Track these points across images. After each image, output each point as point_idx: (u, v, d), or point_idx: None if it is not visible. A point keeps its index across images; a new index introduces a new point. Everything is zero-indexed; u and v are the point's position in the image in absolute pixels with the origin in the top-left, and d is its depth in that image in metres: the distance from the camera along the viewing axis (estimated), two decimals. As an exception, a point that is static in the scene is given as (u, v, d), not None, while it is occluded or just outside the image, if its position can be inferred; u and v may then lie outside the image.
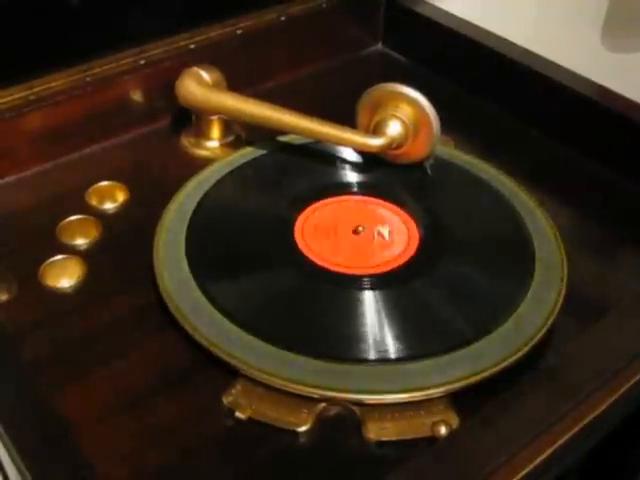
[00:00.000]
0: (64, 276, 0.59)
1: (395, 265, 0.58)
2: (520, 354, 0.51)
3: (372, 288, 0.56)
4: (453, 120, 0.69)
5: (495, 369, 0.50)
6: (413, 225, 0.62)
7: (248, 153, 0.70)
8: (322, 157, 0.69)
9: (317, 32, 0.85)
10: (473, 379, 0.50)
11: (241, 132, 0.74)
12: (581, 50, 1.04)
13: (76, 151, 0.72)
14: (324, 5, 0.85)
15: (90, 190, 0.67)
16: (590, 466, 0.57)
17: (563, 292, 0.56)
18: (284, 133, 0.69)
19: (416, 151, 0.66)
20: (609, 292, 0.60)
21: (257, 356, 0.51)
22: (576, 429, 0.44)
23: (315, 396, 0.49)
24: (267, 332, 0.53)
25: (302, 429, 0.49)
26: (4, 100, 0.67)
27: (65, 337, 0.55)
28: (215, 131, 0.73)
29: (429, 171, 0.67)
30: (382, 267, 0.58)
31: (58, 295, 0.58)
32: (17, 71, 0.68)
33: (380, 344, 0.52)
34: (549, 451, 0.43)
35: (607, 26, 1.13)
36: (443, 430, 0.48)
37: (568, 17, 1.16)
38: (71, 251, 0.61)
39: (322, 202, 0.64)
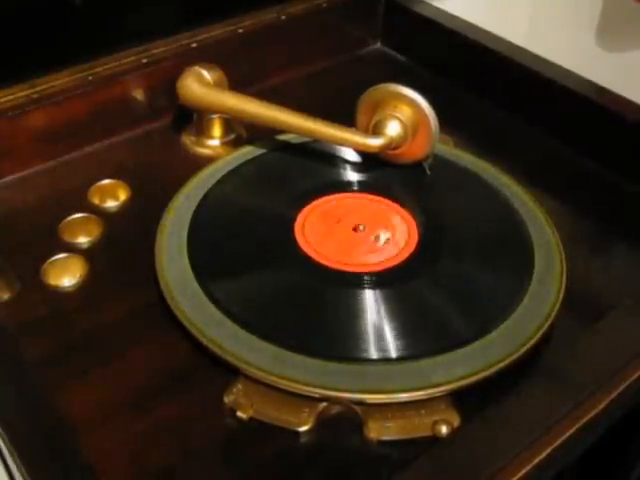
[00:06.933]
0: (66, 275, 0.59)
1: (394, 263, 0.59)
2: (520, 353, 0.52)
3: (373, 287, 0.56)
4: (452, 119, 0.69)
5: (495, 368, 0.51)
6: (413, 223, 0.62)
7: (249, 152, 0.70)
8: (322, 156, 0.69)
9: (317, 31, 0.86)
10: (474, 378, 0.50)
11: (242, 131, 0.74)
12: (576, 49, 1.05)
13: (78, 150, 0.72)
14: (324, 5, 0.85)
15: (92, 188, 0.67)
16: (588, 461, 0.58)
17: (562, 290, 0.56)
18: (284, 132, 0.69)
19: (415, 151, 0.67)
20: (607, 290, 0.61)
21: (258, 355, 0.51)
22: (576, 428, 0.45)
23: (316, 395, 0.50)
24: (268, 331, 0.53)
25: (303, 429, 0.49)
26: (7, 99, 0.67)
27: (66, 336, 0.55)
28: (216, 130, 0.73)
29: (428, 171, 0.68)
30: (382, 264, 0.58)
31: (60, 294, 0.59)
32: (20, 70, 0.68)
33: (381, 343, 0.52)
34: (549, 450, 0.43)
35: (602, 26, 1.13)
36: (444, 429, 0.48)
37: (564, 17, 1.16)
38: (73, 250, 0.61)
39: (322, 200, 0.64)
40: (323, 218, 0.62)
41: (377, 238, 0.61)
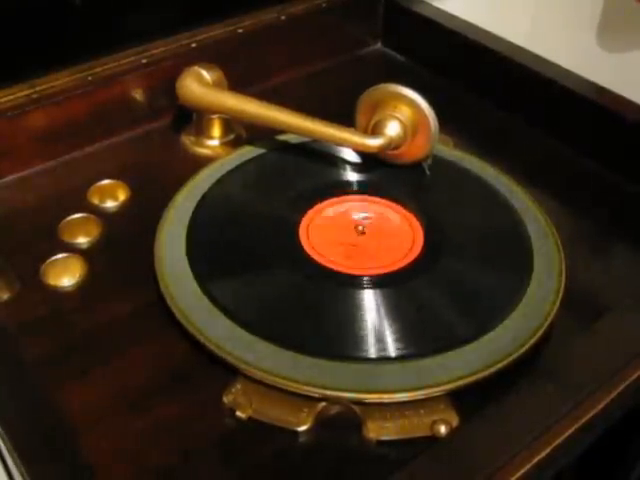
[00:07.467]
0: (65, 275, 0.59)
1: (399, 266, 0.58)
2: (520, 353, 0.52)
3: (372, 287, 0.56)
4: (452, 119, 0.69)
5: (495, 368, 0.51)
6: (417, 225, 0.62)
7: (248, 152, 0.70)
8: (322, 156, 0.69)
9: (317, 32, 0.86)
10: (473, 378, 0.50)
11: (241, 131, 0.74)
12: (576, 49, 1.05)
13: (78, 150, 0.72)
14: (324, 5, 0.85)
15: (92, 189, 0.67)
16: (588, 461, 0.58)
17: (562, 290, 0.56)
18: (284, 132, 0.69)
19: (414, 151, 0.67)
20: (607, 290, 0.61)
21: (257, 355, 0.51)
22: (575, 428, 0.45)
23: (315, 395, 0.50)
24: (267, 331, 0.53)
25: (302, 428, 0.49)
26: (7, 99, 0.67)
27: (66, 336, 0.55)
28: (216, 130, 0.73)
29: (427, 171, 0.68)
30: (385, 267, 0.58)
31: (59, 294, 0.59)
32: (19, 70, 0.68)
33: (380, 343, 0.52)
34: (549, 449, 0.43)
35: (602, 26, 1.13)
36: (443, 429, 0.48)
37: (564, 17, 1.16)
38: (72, 250, 0.61)
39: (325, 202, 0.64)
40: (324, 221, 0.62)
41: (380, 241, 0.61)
